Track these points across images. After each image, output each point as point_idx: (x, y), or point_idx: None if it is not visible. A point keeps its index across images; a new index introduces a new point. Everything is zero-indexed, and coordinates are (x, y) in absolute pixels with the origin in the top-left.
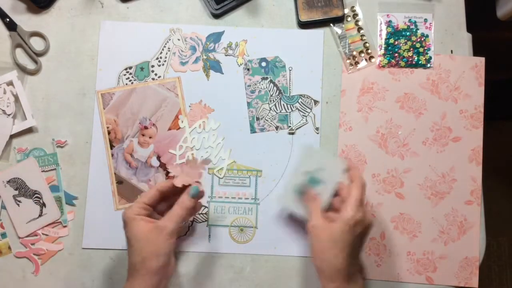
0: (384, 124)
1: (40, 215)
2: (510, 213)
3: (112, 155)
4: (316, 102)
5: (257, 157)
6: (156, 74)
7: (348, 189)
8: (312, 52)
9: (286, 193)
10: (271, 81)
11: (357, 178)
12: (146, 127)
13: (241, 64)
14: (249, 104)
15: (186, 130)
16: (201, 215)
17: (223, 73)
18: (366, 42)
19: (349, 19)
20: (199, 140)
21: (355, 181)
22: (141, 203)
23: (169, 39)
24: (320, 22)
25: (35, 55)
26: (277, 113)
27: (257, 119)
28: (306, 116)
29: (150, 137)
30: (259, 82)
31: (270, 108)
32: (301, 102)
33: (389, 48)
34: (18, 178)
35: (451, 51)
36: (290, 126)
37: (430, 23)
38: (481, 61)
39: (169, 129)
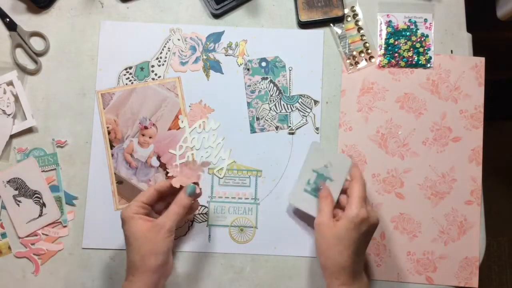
0: (384, 124)
1: (40, 215)
2: (510, 213)
3: (112, 155)
4: (316, 102)
5: (257, 157)
6: (156, 74)
7: (351, 186)
8: (312, 52)
9: (295, 192)
10: (271, 81)
11: (358, 176)
12: (146, 127)
13: (241, 64)
14: (249, 104)
15: (186, 130)
16: (201, 215)
17: (223, 73)
18: (366, 42)
19: (349, 19)
20: (199, 140)
21: (356, 179)
22: (139, 202)
23: (169, 39)
24: (320, 22)
25: (35, 55)
26: (277, 113)
27: (257, 119)
28: (306, 116)
29: (150, 137)
30: (259, 82)
31: (270, 108)
32: (301, 102)
33: (389, 48)
34: (18, 178)
35: (451, 51)
36: (290, 126)
37: (430, 23)
38: (481, 61)
39: (169, 129)
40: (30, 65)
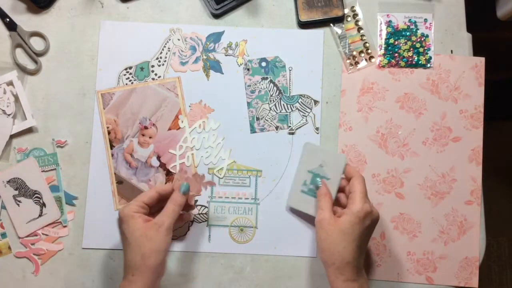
0: (384, 124)
1: (40, 215)
2: (510, 213)
3: (112, 155)
4: (316, 102)
5: (257, 157)
6: (156, 74)
7: (351, 183)
8: (312, 52)
9: (293, 193)
10: (271, 81)
11: (356, 172)
12: (146, 127)
13: (241, 64)
14: (249, 104)
15: (186, 130)
16: (201, 215)
17: (223, 73)
18: (366, 42)
19: (349, 19)
20: (199, 140)
21: (356, 176)
22: (140, 202)
23: (169, 39)
24: (320, 22)
25: (35, 55)
26: (277, 113)
27: (257, 119)
28: (306, 116)
29: (150, 137)
30: (259, 82)
31: (270, 108)
32: (301, 102)
33: (389, 48)
34: (18, 178)
35: (451, 51)
36: (290, 126)
37: (430, 23)
38: (481, 61)
39: (169, 129)
40: (30, 65)
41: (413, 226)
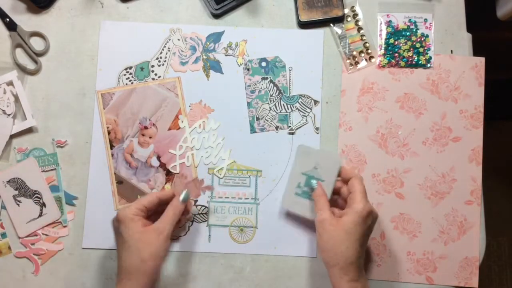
0: (384, 124)
1: (40, 215)
2: (510, 213)
3: (112, 155)
4: (316, 102)
5: (257, 157)
6: (156, 74)
7: (351, 183)
8: (312, 52)
9: (287, 196)
10: (271, 81)
11: (354, 173)
12: (146, 127)
13: (241, 64)
14: (249, 104)
15: (186, 130)
16: (201, 215)
17: (223, 73)
18: (366, 42)
19: (349, 19)
20: (199, 140)
21: (354, 176)
22: (140, 205)
23: (169, 39)
24: (320, 22)
25: (35, 55)
26: (277, 113)
27: (257, 119)
28: (306, 116)
29: (150, 137)
30: (259, 82)
31: (270, 108)
32: (301, 102)
33: (389, 48)
34: (18, 178)
35: (451, 51)
36: (290, 126)
37: (430, 23)
38: (481, 61)
39: (169, 129)
40: (30, 65)
41: (413, 226)
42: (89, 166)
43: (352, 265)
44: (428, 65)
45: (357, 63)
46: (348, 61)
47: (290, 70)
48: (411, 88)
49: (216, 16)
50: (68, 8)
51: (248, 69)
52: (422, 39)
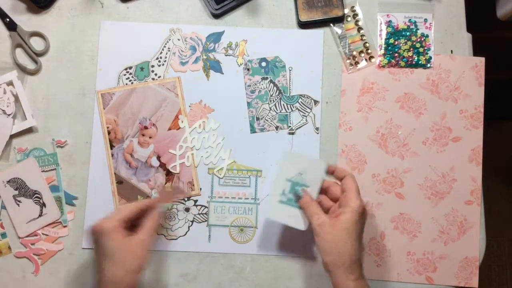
0: (384, 124)
1: (40, 215)
2: (510, 213)
3: (112, 155)
4: (316, 102)
5: (257, 157)
6: (156, 74)
7: (344, 182)
8: (312, 52)
9: (271, 205)
10: (271, 81)
11: (345, 172)
12: (146, 127)
13: (241, 64)
14: (249, 104)
15: (186, 130)
16: (201, 215)
17: (223, 73)
18: (366, 42)
19: (349, 19)
20: (199, 140)
21: (347, 175)
22: (122, 216)
23: (169, 39)
24: (320, 22)
25: (35, 55)
26: (277, 113)
27: (257, 119)
28: (306, 116)
29: (150, 137)
30: (259, 82)
31: (270, 108)
32: (301, 102)
33: (389, 48)
34: (18, 178)
35: (451, 51)
36: (290, 126)
37: (430, 23)
38: (481, 61)
39: (169, 129)
40: (30, 65)
41: (413, 226)
42: (89, 166)
43: (355, 263)
44: (428, 65)
45: (357, 63)
46: (348, 61)
47: (290, 70)
48: (411, 88)
49: (216, 16)
50: (68, 8)
51: (248, 69)
52: (422, 39)
